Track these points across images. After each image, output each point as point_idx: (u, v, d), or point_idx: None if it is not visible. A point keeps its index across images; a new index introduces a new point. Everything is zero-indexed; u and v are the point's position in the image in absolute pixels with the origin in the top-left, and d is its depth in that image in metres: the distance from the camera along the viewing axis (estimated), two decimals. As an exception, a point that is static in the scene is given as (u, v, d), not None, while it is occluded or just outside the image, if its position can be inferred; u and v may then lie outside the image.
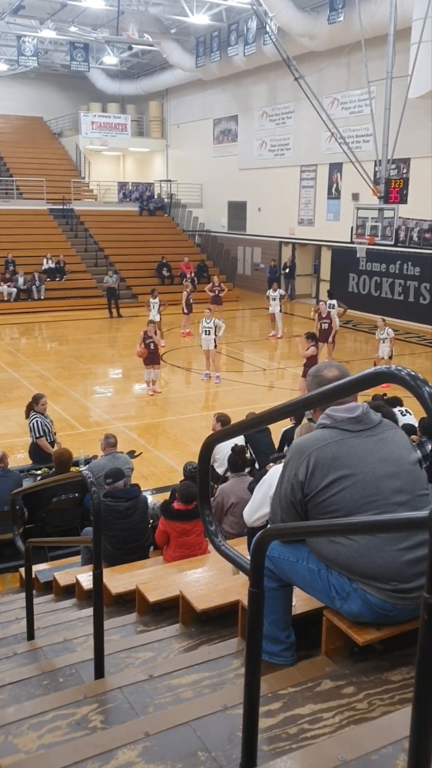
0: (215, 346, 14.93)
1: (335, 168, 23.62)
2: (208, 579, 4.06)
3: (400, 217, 18.86)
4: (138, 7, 24.87)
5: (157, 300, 18.26)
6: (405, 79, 16.71)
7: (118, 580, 4.76)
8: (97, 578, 3.16)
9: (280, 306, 19.50)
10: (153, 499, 7.51)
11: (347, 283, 23.62)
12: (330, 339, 15.71)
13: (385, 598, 2.53)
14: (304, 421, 6.56)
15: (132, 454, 9.26)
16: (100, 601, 3.16)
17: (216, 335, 14.80)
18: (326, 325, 15.57)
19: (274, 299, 19.30)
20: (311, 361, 12.77)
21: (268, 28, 18.76)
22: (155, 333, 14.07)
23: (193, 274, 26.35)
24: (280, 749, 2.15)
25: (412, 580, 2.50)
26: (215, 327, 14.74)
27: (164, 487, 8.96)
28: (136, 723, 2.47)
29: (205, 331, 14.76)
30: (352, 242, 19.83)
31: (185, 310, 19.54)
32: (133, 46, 28.73)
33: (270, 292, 19.59)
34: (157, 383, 14.16)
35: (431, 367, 16.07)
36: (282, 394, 13.46)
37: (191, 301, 19.68)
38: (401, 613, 2.56)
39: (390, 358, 14.59)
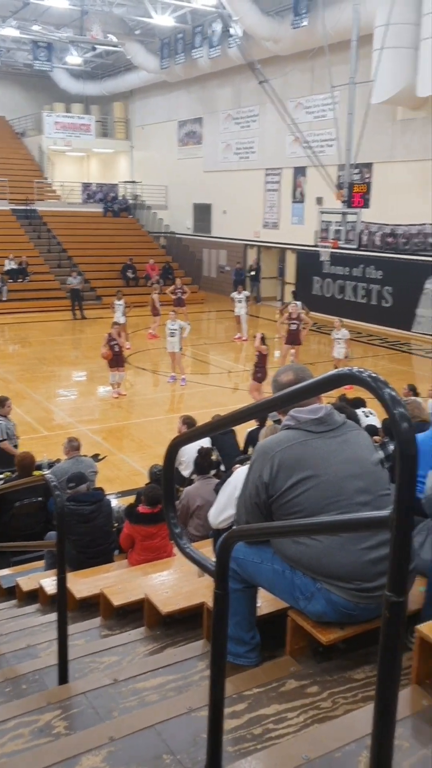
0: (180, 348, 14.91)
1: (299, 172, 23.80)
2: (173, 582, 4.05)
3: (363, 222, 19.08)
4: (102, 8, 24.76)
5: (122, 302, 18.19)
6: (368, 84, 16.93)
7: (83, 584, 4.72)
8: (61, 583, 3.14)
9: (246, 308, 19.57)
10: (118, 503, 7.47)
11: (311, 286, 23.81)
12: (300, 340, 15.75)
13: (349, 598, 2.56)
14: (269, 422, 6.59)
15: (96, 457, 9.19)
16: (63, 605, 3.13)
17: (181, 337, 14.77)
18: (295, 326, 15.56)
19: (240, 301, 19.35)
20: (261, 361, 12.77)
21: (232, 31, 18.88)
22: (119, 335, 14.00)
23: (158, 276, 26.32)
24: (245, 750, 2.15)
25: (375, 579, 2.53)
26: (180, 329, 14.71)
27: (129, 490, 8.92)
28: (100, 728, 2.45)
29: (170, 333, 14.73)
30: (316, 246, 20.01)
31: (159, 312, 19.44)
32: (97, 46, 28.62)
33: (235, 295, 19.64)
34: (121, 386, 14.09)
35: (393, 368, 16.29)
36: (247, 396, 13.48)
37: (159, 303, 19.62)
38: (364, 612, 2.59)
39: (346, 358, 14.69)
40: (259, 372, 12.81)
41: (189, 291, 21.72)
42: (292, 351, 15.76)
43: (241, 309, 19.36)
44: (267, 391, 12.67)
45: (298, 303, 16.80)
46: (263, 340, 12.85)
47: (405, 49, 17.32)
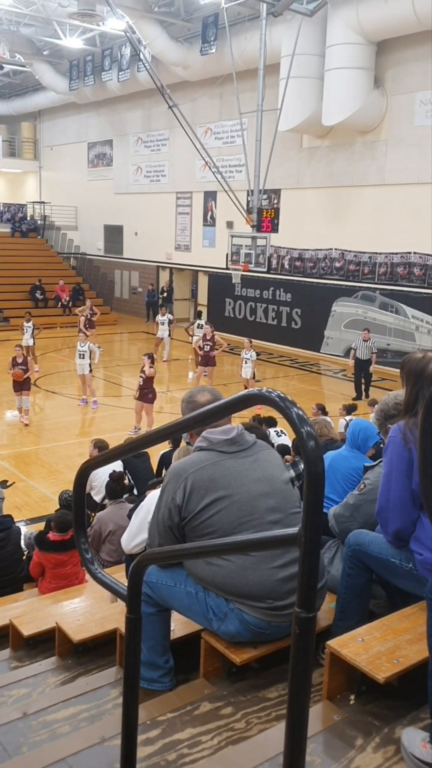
0: (90, 371, 14.73)
1: (210, 196, 24.13)
2: (86, 608, 3.97)
3: (272, 246, 19.50)
4: (9, 27, 24.47)
5: (30, 324, 17.81)
6: (275, 112, 17.40)
7: (-10, 615, 4.55)
8: (-33, 614, 3.02)
9: (169, 330, 19.45)
10: (27, 530, 7.27)
11: (224, 307, 24.10)
12: (215, 361, 15.81)
13: (261, 617, 2.58)
14: (183, 444, 6.59)
15: (4, 483, 8.94)
16: (-30, 638, 3.01)
17: (91, 360, 14.58)
18: (209, 347, 15.66)
19: (163, 323, 19.24)
20: (149, 382, 12.65)
21: (141, 56, 19.03)
22: (23, 358, 13.60)
23: (68, 297, 26.03)
24: (159, 777, 2.12)
25: (286, 597, 2.56)
26: (90, 351, 14.55)
27: (39, 517, 8.70)
28: (8, 765, 2.36)
29: (80, 354, 14.53)
30: (227, 268, 20.28)
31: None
32: (4, 65, 28.21)
33: (159, 317, 19.56)
34: (29, 411, 13.71)
35: (303, 388, 16.65)
36: (161, 418, 13.46)
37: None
38: (277, 631, 2.62)
39: (254, 378, 14.88)
40: (150, 392, 12.67)
41: (99, 312, 21.50)
42: (206, 372, 15.83)
43: (164, 331, 19.29)
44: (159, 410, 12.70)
45: (202, 321, 16.92)
46: (153, 361, 12.83)
47: (310, 79, 17.95)
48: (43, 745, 2.53)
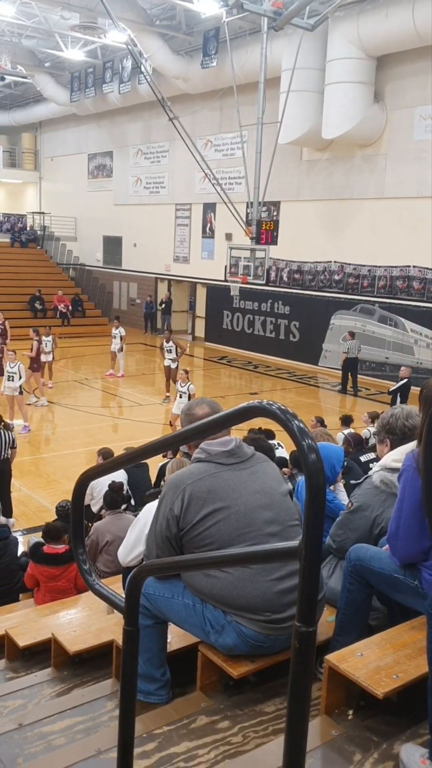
0: (21, 392, 13.58)
1: (209, 208, 24.21)
2: (82, 620, 3.94)
3: (271, 258, 19.54)
4: (11, 39, 24.63)
5: (50, 338, 17.66)
6: (275, 125, 17.50)
7: (-14, 625, 4.52)
8: (-37, 625, 3.01)
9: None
10: (26, 538, 7.25)
11: (222, 320, 24.13)
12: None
13: (259, 630, 2.56)
14: (179, 455, 6.58)
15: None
16: (-35, 649, 3.00)
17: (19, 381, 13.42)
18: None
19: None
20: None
21: (142, 68, 19.14)
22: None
23: (69, 308, 26.09)
24: (156, 791, 2.11)
25: (285, 610, 2.55)
26: (19, 373, 13.31)
27: (36, 527, 8.68)
28: (3, 777, 2.34)
29: (8, 376, 13.29)
30: (225, 280, 20.32)
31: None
32: (6, 76, 28.38)
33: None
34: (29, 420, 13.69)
35: (301, 401, 16.64)
36: (160, 430, 13.44)
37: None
38: (274, 644, 2.60)
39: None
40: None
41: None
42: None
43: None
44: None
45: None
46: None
47: (310, 92, 18.07)
48: (39, 757, 2.51)
